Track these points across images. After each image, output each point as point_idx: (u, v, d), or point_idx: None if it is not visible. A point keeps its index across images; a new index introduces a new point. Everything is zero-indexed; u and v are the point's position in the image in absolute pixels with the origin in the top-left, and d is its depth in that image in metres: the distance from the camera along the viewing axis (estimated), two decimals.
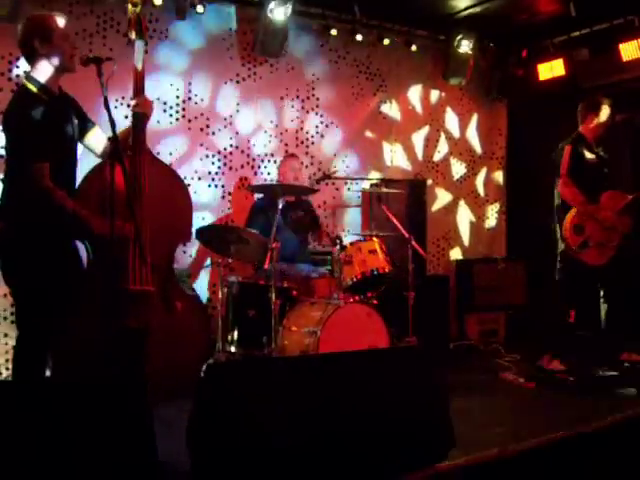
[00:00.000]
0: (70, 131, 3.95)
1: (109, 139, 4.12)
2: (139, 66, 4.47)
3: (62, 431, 2.76)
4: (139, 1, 4.43)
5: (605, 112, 5.89)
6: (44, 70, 3.84)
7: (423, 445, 3.40)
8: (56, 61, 3.84)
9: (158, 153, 6.16)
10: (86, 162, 4.42)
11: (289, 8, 6.28)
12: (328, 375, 3.25)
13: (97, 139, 4.22)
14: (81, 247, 4.14)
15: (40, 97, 3.78)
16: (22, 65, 5.46)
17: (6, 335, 5.50)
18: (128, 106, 5.86)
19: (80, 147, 4.21)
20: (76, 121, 4.03)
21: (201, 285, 6.43)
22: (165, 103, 6.30)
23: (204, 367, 4.04)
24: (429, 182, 7.90)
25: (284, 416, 3.00)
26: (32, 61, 3.88)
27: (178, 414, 4.42)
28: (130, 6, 4.44)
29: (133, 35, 4.47)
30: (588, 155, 5.83)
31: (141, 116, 4.42)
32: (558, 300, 5.98)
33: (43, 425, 2.72)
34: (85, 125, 4.14)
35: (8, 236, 3.78)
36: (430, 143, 8.08)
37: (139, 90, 4.50)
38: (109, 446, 2.84)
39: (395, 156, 7.77)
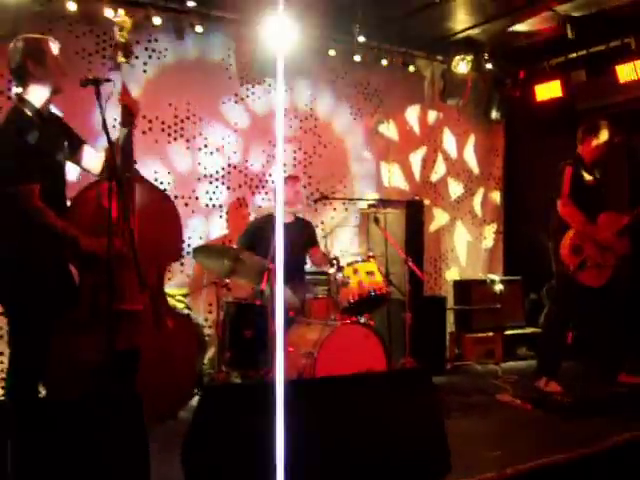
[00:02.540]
0: (60, 155, 3.95)
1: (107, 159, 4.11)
2: (124, 89, 4.39)
3: (56, 450, 2.74)
4: (129, 26, 4.37)
5: (604, 135, 5.91)
6: (37, 93, 3.84)
7: (419, 469, 3.39)
8: (48, 83, 3.85)
9: (156, 172, 6.21)
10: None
11: (288, 29, 6.30)
12: (324, 399, 3.24)
13: (90, 157, 4.20)
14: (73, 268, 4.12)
15: (34, 121, 3.78)
16: None
17: (2, 354, 5.49)
18: None
19: (75, 168, 4.20)
20: (66, 143, 4.03)
21: (198, 305, 6.42)
22: (163, 122, 6.32)
23: (201, 390, 4.03)
24: (426, 202, 7.91)
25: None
26: (24, 83, 3.85)
27: (172, 435, 4.44)
28: (117, 30, 4.38)
29: (120, 59, 4.39)
30: (586, 177, 5.85)
31: (128, 112, 4.34)
32: (556, 321, 5.97)
33: (37, 445, 2.70)
34: (74, 145, 4.12)
35: (0, 255, 3.78)
36: (427, 163, 8.10)
37: (125, 90, 4.41)
38: (103, 466, 2.83)
39: (392, 176, 7.79)
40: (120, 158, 4.13)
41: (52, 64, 3.86)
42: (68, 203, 4.13)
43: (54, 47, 3.91)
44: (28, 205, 3.71)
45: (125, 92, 4.27)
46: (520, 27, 6.90)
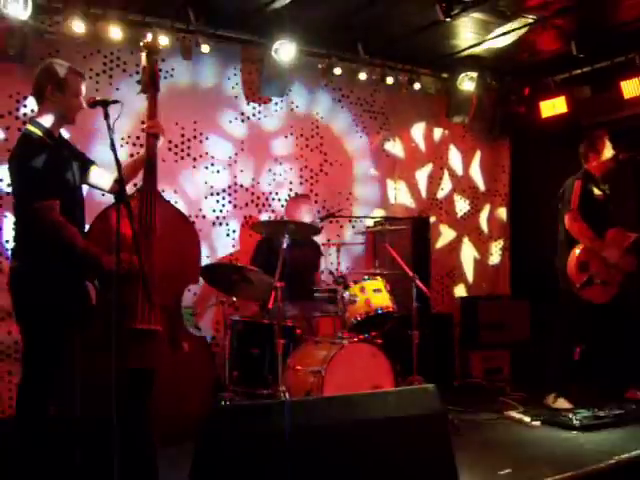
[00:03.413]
0: (71, 176, 3.98)
1: (115, 181, 4.14)
2: (150, 113, 4.43)
3: (66, 468, 2.75)
4: (156, 50, 4.44)
5: (606, 148, 5.91)
6: (49, 116, 3.90)
7: None
8: (61, 111, 3.91)
9: (163, 191, 6.20)
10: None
11: (293, 48, 6.34)
12: (331, 417, 3.23)
13: (99, 176, 4.24)
14: (91, 286, 4.14)
15: (44, 141, 3.83)
16: (29, 104, 5.54)
17: (10, 373, 5.50)
18: (134, 145, 5.97)
19: (85, 187, 4.24)
20: (76, 164, 4.06)
21: (205, 323, 6.42)
22: (170, 142, 6.34)
23: (208, 411, 4.02)
24: (433, 219, 7.92)
25: (289, 461, 2.97)
26: (40, 104, 3.94)
27: (182, 455, 4.42)
28: (144, 54, 4.44)
29: (143, 84, 4.46)
30: (596, 191, 5.85)
31: (154, 137, 4.41)
32: (562, 338, 5.95)
33: (46, 462, 2.72)
34: (84, 166, 4.16)
35: (20, 274, 3.82)
36: (434, 180, 8.12)
37: (152, 115, 4.47)
38: None
39: (399, 194, 7.80)
40: (143, 175, 4.20)
41: (70, 94, 3.91)
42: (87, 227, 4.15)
43: (76, 77, 3.96)
44: (49, 219, 3.74)
45: (151, 117, 4.35)
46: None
